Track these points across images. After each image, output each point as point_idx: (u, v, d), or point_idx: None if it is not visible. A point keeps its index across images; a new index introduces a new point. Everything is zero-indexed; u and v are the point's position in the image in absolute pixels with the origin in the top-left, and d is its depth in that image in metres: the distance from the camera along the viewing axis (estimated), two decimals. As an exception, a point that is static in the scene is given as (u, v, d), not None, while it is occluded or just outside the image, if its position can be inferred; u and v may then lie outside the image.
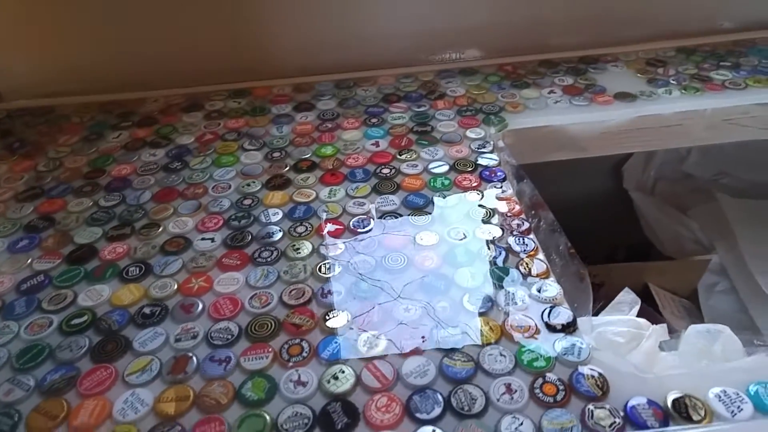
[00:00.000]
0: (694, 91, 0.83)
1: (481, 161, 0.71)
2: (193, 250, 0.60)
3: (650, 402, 0.43)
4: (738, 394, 0.44)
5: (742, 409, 0.43)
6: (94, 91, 0.93)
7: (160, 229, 0.63)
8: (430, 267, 0.56)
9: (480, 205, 0.64)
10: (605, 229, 1.04)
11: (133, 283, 0.56)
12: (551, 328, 0.49)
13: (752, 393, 0.44)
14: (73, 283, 0.56)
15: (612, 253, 1.17)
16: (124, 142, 0.80)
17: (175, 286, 0.55)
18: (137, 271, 0.57)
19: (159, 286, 0.55)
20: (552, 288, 0.53)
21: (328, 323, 0.51)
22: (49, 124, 0.86)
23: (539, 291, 0.53)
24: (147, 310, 0.52)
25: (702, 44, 0.96)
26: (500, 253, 0.57)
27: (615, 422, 0.42)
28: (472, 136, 0.76)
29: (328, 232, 0.61)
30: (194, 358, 0.48)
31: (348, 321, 0.51)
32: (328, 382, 0.45)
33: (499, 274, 0.55)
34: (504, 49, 0.95)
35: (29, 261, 0.59)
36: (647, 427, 0.42)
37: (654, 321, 0.52)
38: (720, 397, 0.43)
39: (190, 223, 0.64)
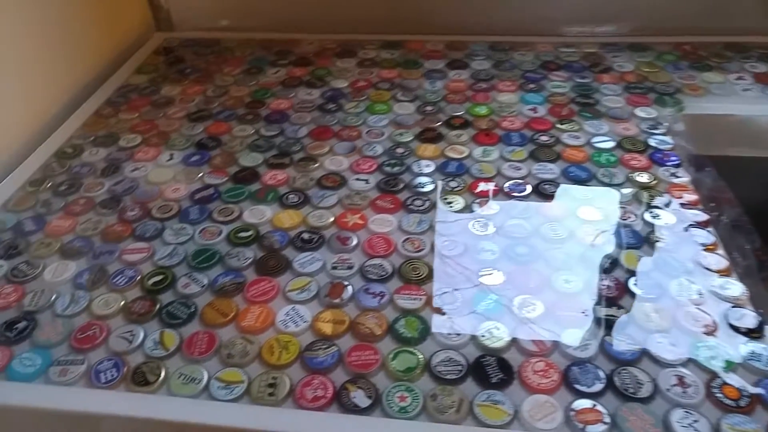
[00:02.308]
0: None
1: (652, 142, 0.66)
2: (348, 188, 0.61)
3: None
4: None
5: None
6: (254, 29, 0.96)
7: (317, 165, 0.64)
8: (593, 243, 0.53)
9: (649, 188, 0.59)
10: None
11: (292, 209, 0.57)
12: (734, 329, 0.45)
13: None
14: (239, 200, 0.59)
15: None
16: (281, 79, 0.83)
17: (332, 218, 0.56)
18: (296, 199, 0.59)
19: (316, 215, 0.57)
20: (734, 287, 0.48)
21: (482, 279, 0.49)
22: (216, 55, 0.91)
23: (719, 288, 0.48)
24: (305, 236, 0.54)
25: None
26: (673, 241, 0.53)
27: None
28: (642, 115, 0.71)
29: (481, 191, 0.60)
30: (350, 287, 0.48)
31: (502, 281, 0.49)
32: (483, 336, 0.44)
33: (670, 263, 0.51)
34: (682, 27, 0.87)
35: (200, 174, 0.63)
36: None
37: None
38: None
39: (345, 163, 0.64)
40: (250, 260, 0.51)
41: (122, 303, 0.48)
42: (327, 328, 0.45)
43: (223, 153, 0.67)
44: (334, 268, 0.50)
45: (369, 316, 0.46)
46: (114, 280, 0.50)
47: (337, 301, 0.47)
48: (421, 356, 0.43)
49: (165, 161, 0.65)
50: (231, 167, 0.64)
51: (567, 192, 0.59)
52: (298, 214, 0.57)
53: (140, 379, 0.42)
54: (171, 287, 0.49)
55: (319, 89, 0.80)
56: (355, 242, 0.53)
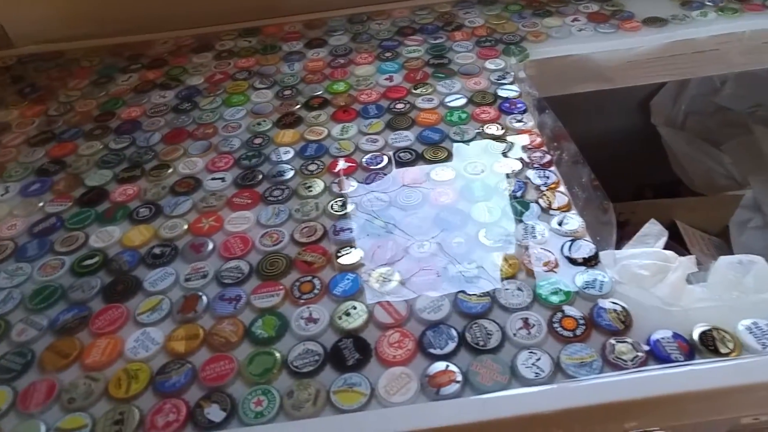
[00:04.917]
0: (732, 13, 0.77)
1: (501, 93, 0.68)
2: (203, 190, 0.59)
3: (675, 335, 0.41)
4: (771, 326, 0.41)
5: (775, 342, 0.40)
6: (104, 35, 0.90)
7: (170, 170, 0.62)
8: (446, 203, 0.54)
9: (499, 138, 0.61)
10: (632, 168, 0.99)
11: (143, 224, 0.55)
12: (572, 262, 0.47)
13: (787, 325, 0.41)
14: (85, 225, 0.56)
15: (639, 192, 1.13)
16: (133, 85, 0.79)
17: (186, 226, 0.54)
18: (148, 212, 0.56)
19: (169, 226, 0.54)
20: (573, 221, 0.50)
21: (340, 260, 0.49)
22: (60, 69, 0.84)
23: (560, 224, 0.50)
24: (157, 251, 0.52)
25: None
26: (520, 187, 0.55)
27: (637, 356, 0.40)
28: (492, 67, 0.73)
29: (340, 170, 0.59)
30: (204, 297, 0.47)
31: (360, 258, 0.49)
32: (340, 318, 0.44)
33: (518, 208, 0.52)
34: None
35: (41, 204, 0.59)
36: (671, 361, 0.40)
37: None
38: (751, 329, 0.41)
39: (200, 164, 0.62)
40: (97, 289, 0.48)
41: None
42: (180, 347, 0.43)
43: (67, 176, 0.63)
44: (188, 279, 0.49)
45: (225, 324, 0.45)
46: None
47: (190, 315, 0.46)
48: (278, 355, 0.42)
49: (-1, 197, 0.61)
50: (76, 190, 0.60)
51: (421, 157, 0.60)
52: (149, 229, 0.54)
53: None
54: (3, 338, 0.45)
55: (174, 90, 0.76)
56: (210, 247, 0.52)
